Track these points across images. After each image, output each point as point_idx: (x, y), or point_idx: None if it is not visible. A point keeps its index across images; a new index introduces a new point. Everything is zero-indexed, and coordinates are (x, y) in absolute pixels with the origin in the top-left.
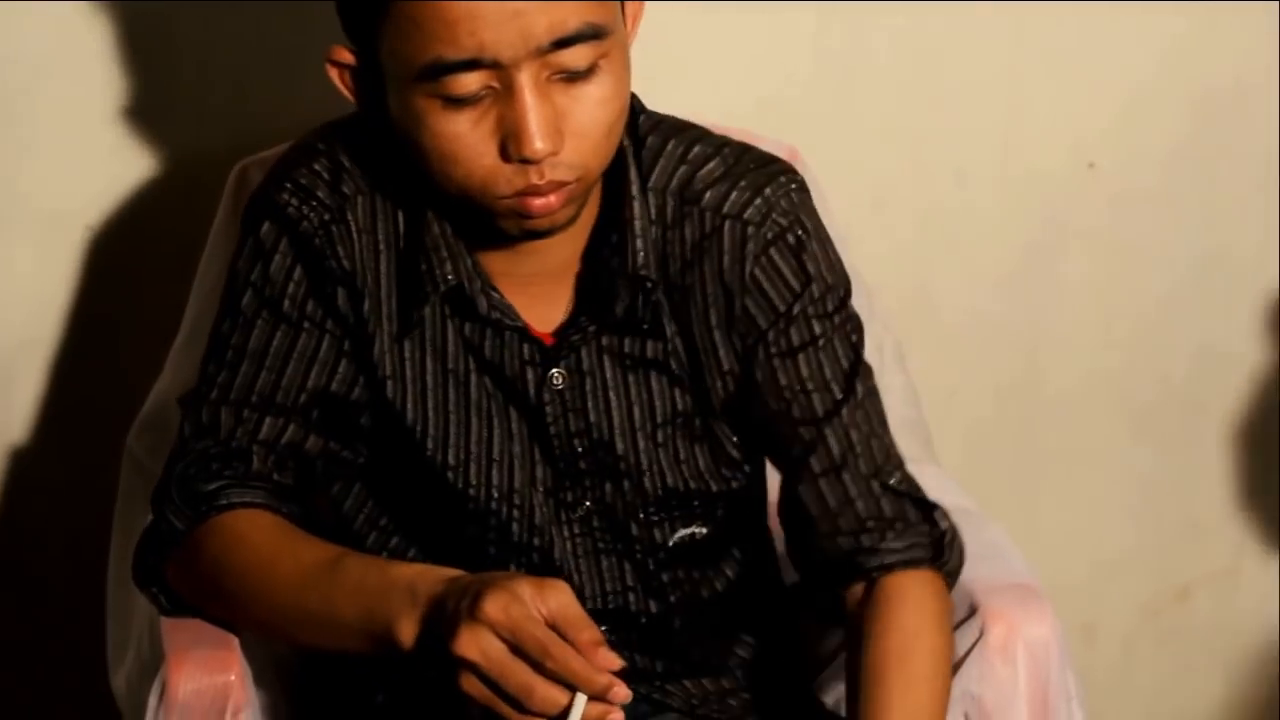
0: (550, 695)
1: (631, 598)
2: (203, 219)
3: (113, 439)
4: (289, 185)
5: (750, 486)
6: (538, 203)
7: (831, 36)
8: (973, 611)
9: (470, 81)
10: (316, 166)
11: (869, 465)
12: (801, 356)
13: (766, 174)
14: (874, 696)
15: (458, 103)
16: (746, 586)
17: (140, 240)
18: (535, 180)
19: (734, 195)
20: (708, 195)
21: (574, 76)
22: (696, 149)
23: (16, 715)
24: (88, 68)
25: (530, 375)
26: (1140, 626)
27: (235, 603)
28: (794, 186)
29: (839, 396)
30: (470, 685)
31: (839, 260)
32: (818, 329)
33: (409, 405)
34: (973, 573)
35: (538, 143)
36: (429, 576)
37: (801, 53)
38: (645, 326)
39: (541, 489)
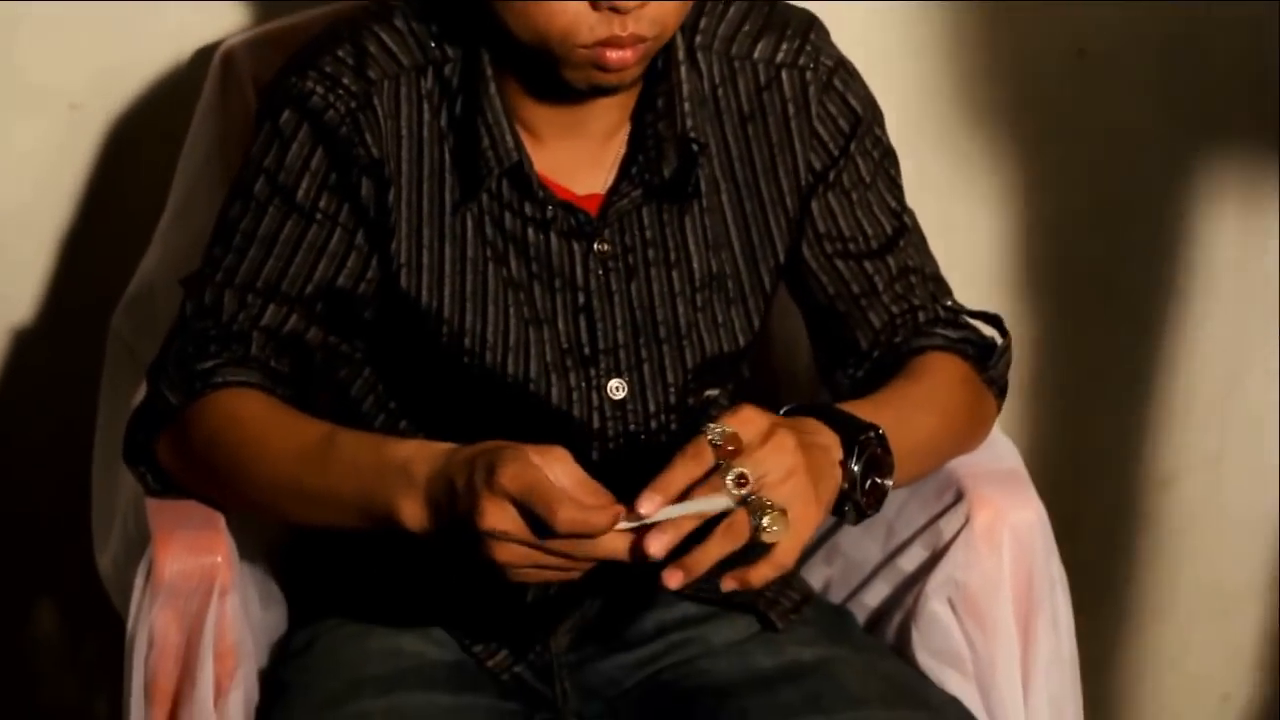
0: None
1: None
2: (189, 99)
3: (100, 317)
4: (314, 73)
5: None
6: (614, 55)
7: None
8: (959, 497)
9: None
10: (340, 53)
11: (926, 284)
12: (855, 195)
13: (803, 20)
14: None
15: None
16: None
17: (126, 119)
18: (618, 31)
19: (784, 45)
20: (759, 48)
21: None
22: (732, 8)
23: (9, 595)
24: None
25: (575, 247)
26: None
27: (228, 481)
28: (822, 27)
29: (890, 232)
30: (505, 553)
31: (870, 91)
32: (866, 168)
33: (433, 290)
34: (959, 458)
35: None
36: (424, 453)
37: None
38: (690, 189)
39: (576, 367)
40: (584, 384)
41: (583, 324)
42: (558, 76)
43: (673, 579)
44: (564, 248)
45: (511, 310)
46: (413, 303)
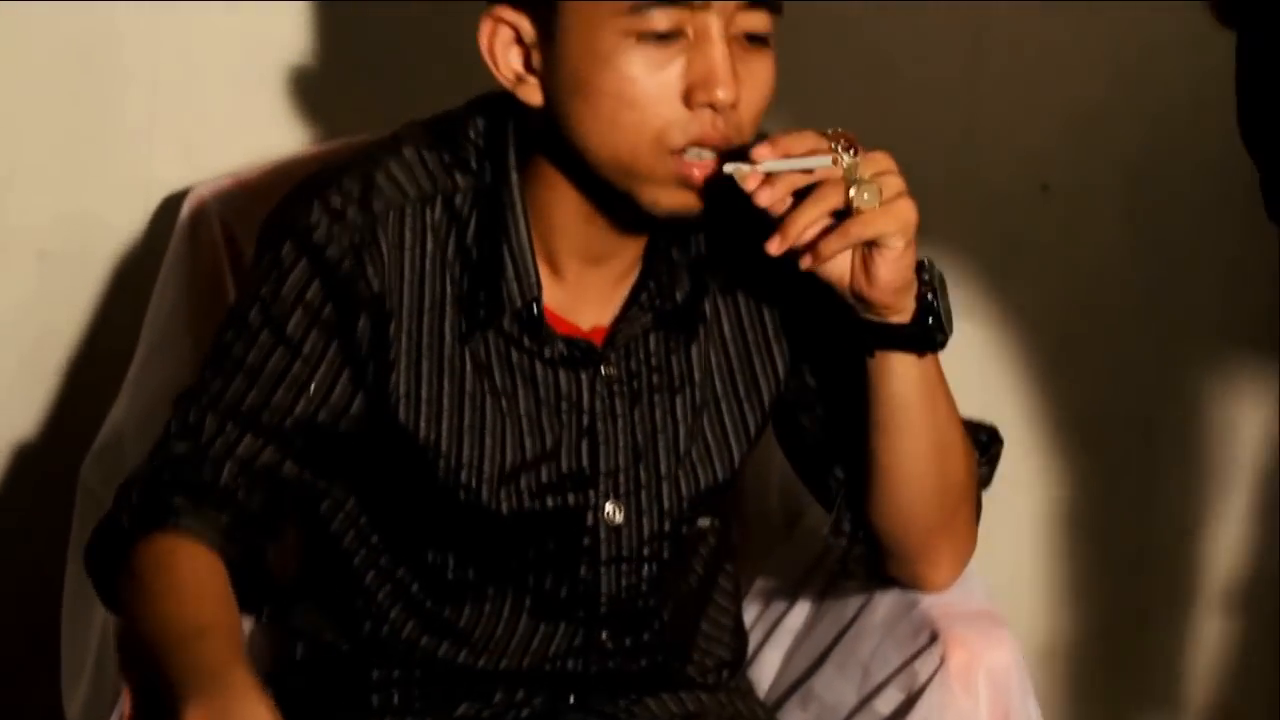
0: None
1: (640, 604)
2: (159, 246)
3: (69, 468)
4: (318, 204)
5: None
6: (700, 166)
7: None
8: (933, 639)
9: (672, 16)
10: (346, 184)
11: None
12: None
13: None
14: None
15: (654, 39)
16: (719, 571)
17: (94, 266)
18: (710, 131)
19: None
20: None
21: (752, 42)
22: None
23: None
24: (39, 93)
25: (581, 375)
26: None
27: (125, 613)
28: None
29: None
30: None
31: None
32: None
33: (432, 423)
34: (933, 599)
35: (729, 86)
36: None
37: None
38: (699, 317)
39: (574, 489)
40: (581, 506)
41: (584, 447)
42: (632, 200)
43: (773, 245)
44: (570, 377)
45: (510, 441)
46: (410, 436)
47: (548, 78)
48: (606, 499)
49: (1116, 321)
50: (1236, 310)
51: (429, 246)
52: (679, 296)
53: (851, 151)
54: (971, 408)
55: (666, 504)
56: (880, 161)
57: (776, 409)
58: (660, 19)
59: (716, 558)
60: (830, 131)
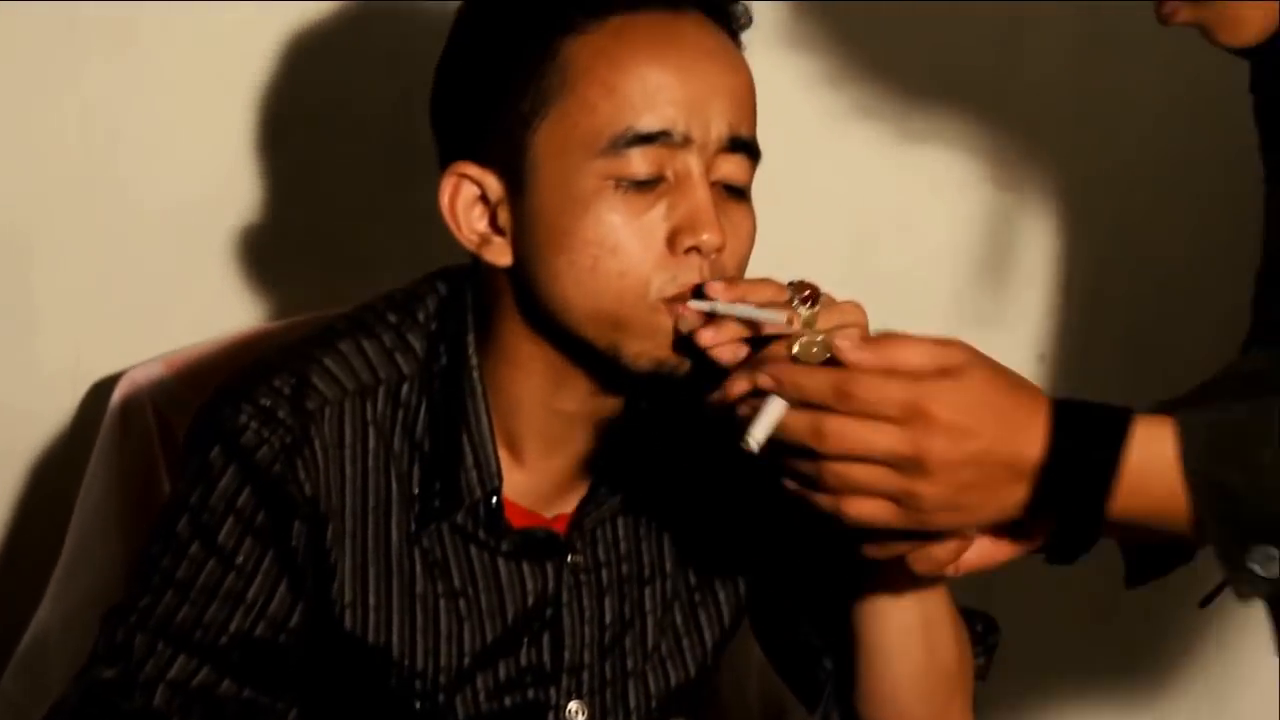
0: None
1: None
2: (88, 436)
3: None
4: (247, 406)
5: None
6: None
7: None
8: None
9: (651, 157)
10: (277, 382)
11: None
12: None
13: None
14: None
15: (634, 185)
16: None
17: (17, 458)
18: (698, 278)
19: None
20: None
21: (730, 193)
22: None
23: None
24: None
25: (547, 566)
26: None
27: None
28: None
29: None
30: None
31: None
32: None
33: (381, 629)
34: None
35: (714, 229)
36: None
37: None
38: (669, 499)
39: (534, 685)
40: (542, 704)
41: (546, 641)
42: (615, 357)
43: (715, 394)
44: (533, 568)
45: (467, 640)
46: (358, 643)
47: (518, 234)
48: (570, 697)
49: None
50: None
51: (371, 443)
52: (648, 480)
53: (810, 304)
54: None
55: (634, 702)
56: (848, 313)
57: (753, 599)
58: (639, 162)
59: None
60: (793, 282)
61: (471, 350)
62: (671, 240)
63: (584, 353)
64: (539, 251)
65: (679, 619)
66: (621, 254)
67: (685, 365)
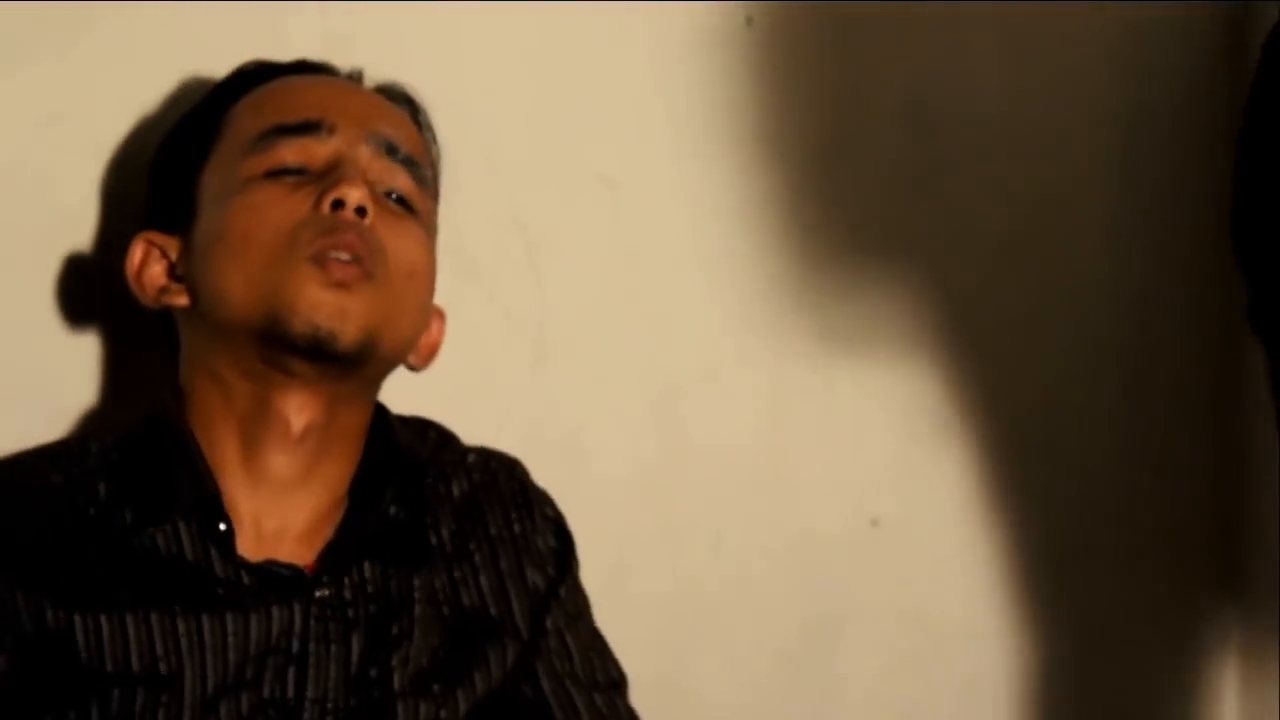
0: None
1: None
2: None
3: None
4: None
5: None
6: (339, 267)
7: (554, 368)
8: None
9: (302, 148)
10: None
11: None
12: (581, 624)
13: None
14: None
15: (285, 175)
16: None
17: None
18: (343, 231)
19: (492, 457)
20: (471, 455)
21: (396, 204)
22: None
23: None
24: None
25: (294, 605)
26: None
27: None
28: None
29: (616, 676)
30: None
31: None
32: (578, 601)
33: (116, 662)
34: None
35: (356, 187)
36: None
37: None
38: (417, 530)
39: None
40: None
41: (291, 675)
42: (277, 338)
43: None
44: (281, 608)
45: (210, 669)
46: (98, 676)
47: (191, 271)
48: None
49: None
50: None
51: (52, 491)
52: (389, 506)
53: None
54: None
55: None
56: None
57: (498, 708)
58: (286, 150)
59: None
60: None
61: (174, 402)
62: (318, 203)
63: (255, 348)
64: (203, 262)
65: (429, 660)
66: (268, 220)
67: (345, 336)
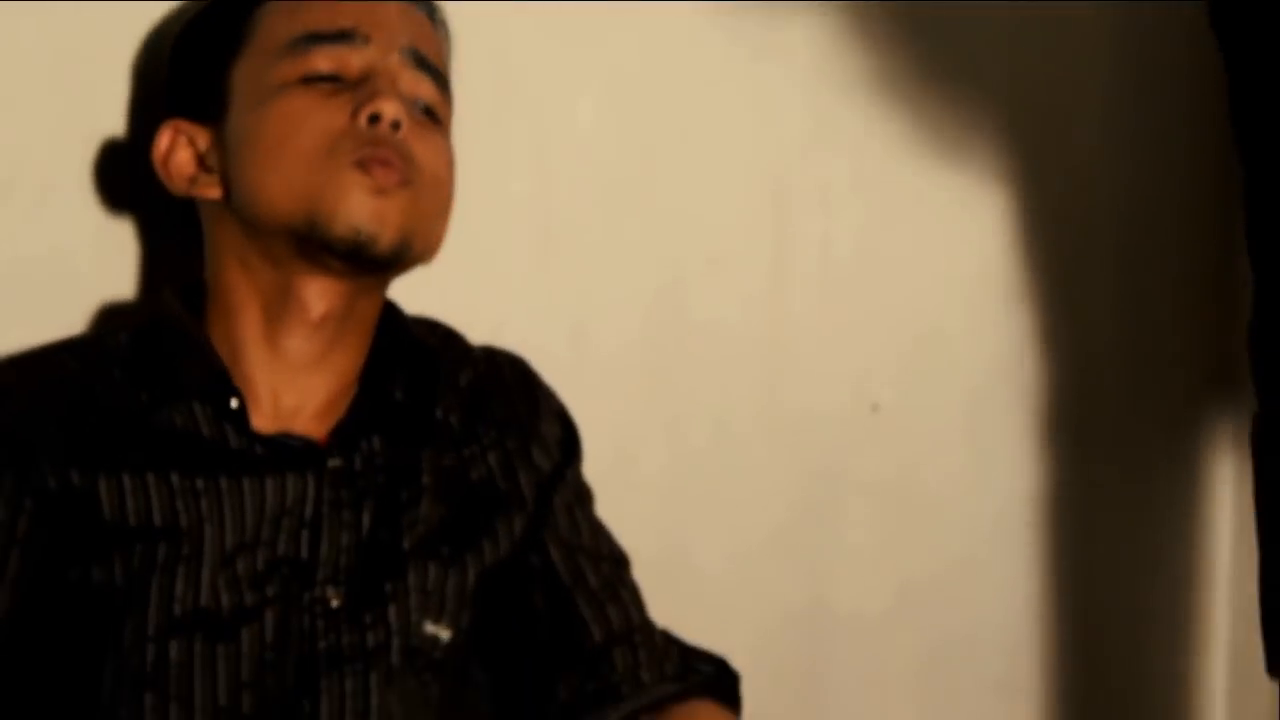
0: None
1: (375, 719)
2: None
3: None
4: None
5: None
6: (381, 171)
7: (555, 265)
8: None
9: (336, 56)
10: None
11: (643, 619)
12: (583, 509)
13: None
14: None
15: (319, 81)
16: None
17: None
18: (381, 143)
19: (502, 351)
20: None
21: (423, 114)
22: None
23: None
24: None
25: (308, 475)
26: None
27: None
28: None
29: (619, 555)
30: None
31: None
32: (580, 488)
33: (138, 517)
34: None
35: (392, 101)
36: None
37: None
38: (426, 410)
39: (292, 578)
40: (298, 593)
41: (305, 537)
42: (319, 233)
43: None
44: (296, 476)
45: (229, 529)
46: (121, 532)
47: (224, 165)
48: (327, 588)
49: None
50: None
51: (74, 380)
52: (400, 394)
53: None
54: (798, 666)
55: (393, 598)
56: None
57: (508, 583)
58: (320, 58)
59: (457, 683)
60: None
61: (177, 301)
62: (355, 114)
63: (290, 245)
64: (238, 160)
65: (444, 524)
66: (306, 129)
67: (384, 239)
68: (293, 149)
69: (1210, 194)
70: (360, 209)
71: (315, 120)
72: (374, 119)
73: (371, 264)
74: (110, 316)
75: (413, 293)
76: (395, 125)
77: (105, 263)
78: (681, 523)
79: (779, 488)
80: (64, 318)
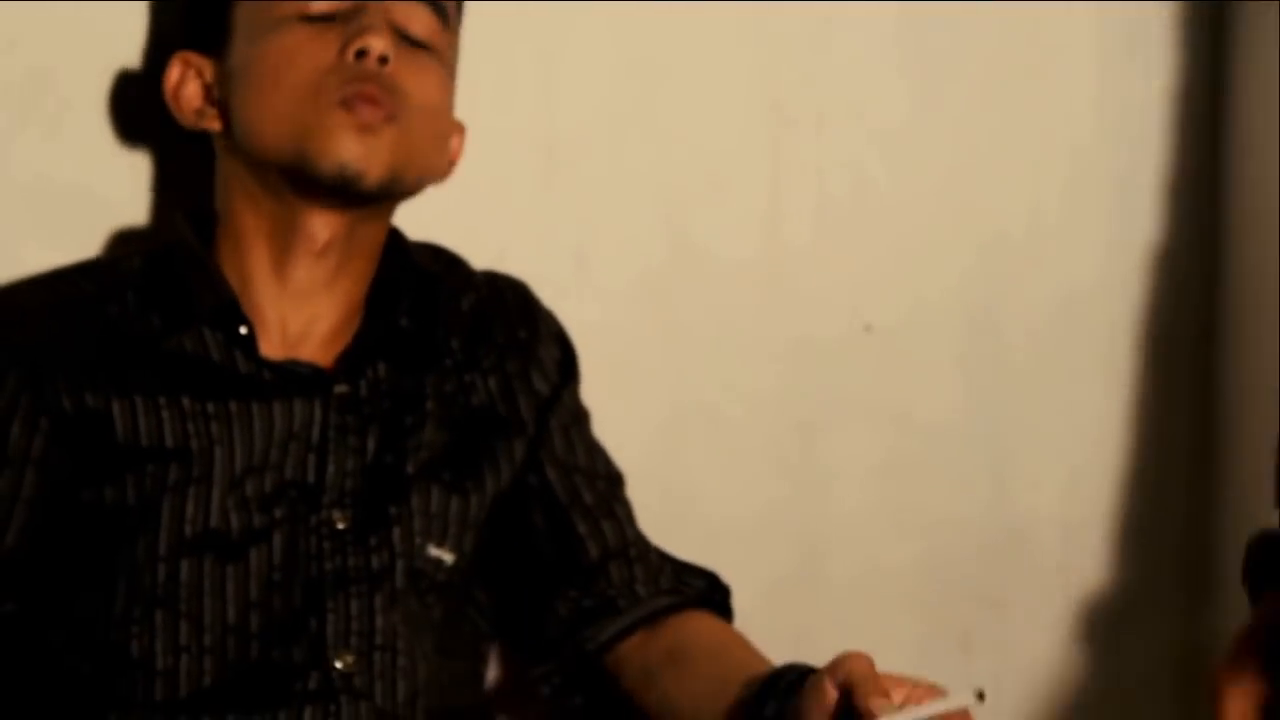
0: None
1: (379, 639)
2: None
3: None
4: None
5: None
6: (366, 108)
7: (557, 192)
8: None
9: None
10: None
11: (648, 551)
12: (579, 428)
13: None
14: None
15: (313, 20)
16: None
17: None
18: (370, 72)
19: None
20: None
21: (414, 45)
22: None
23: None
24: None
25: (315, 400)
26: None
27: None
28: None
29: (614, 473)
30: None
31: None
32: (576, 408)
33: (149, 439)
34: None
35: (379, 36)
36: None
37: (542, 208)
38: (430, 337)
39: (299, 500)
40: (305, 514)
41: (311, 461)
42: (305, 174)
43: None
44: (304, 402)
45: (239, 452)
46: (133, 453)
47: (225, 98)
48: (332, 510)
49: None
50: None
51: (87, 302)
52: (406, 321)
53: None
54: (794, 580)
55: (397, 518)
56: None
57: (507, 504)
58: (317, 2)
59: (459, 604)
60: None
61: (189, 229)
62: (343, 51)
63: (284, 178)
64: (236, 93)
65: (447, 450)
66: (297, 65)
67: (371, 175)
68: (284, 85)
69: None
70: (345, 147)
71: (305, 56)
72: (361, 54)
73: (360, 198)
74: (125, 241)
75: (417, 219)
76: (383, 60)
77: (121, 187)
78: (679, 446)
79: (775, 411)
80: (80, 241)
